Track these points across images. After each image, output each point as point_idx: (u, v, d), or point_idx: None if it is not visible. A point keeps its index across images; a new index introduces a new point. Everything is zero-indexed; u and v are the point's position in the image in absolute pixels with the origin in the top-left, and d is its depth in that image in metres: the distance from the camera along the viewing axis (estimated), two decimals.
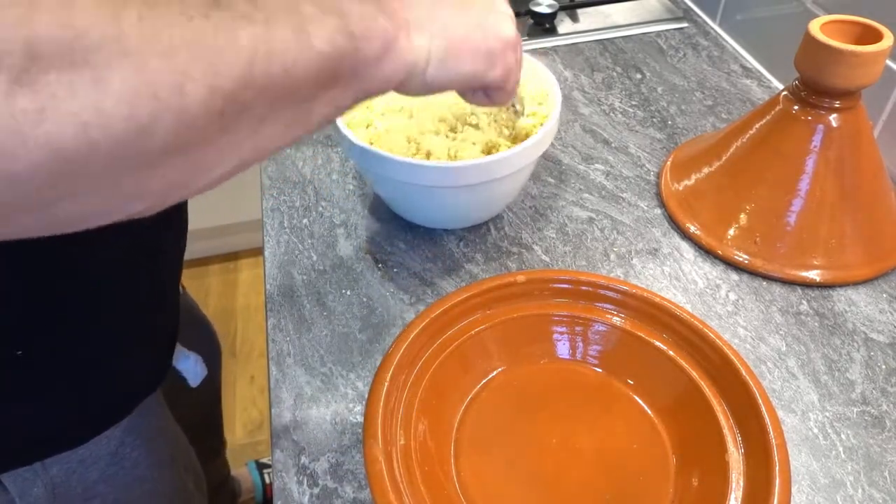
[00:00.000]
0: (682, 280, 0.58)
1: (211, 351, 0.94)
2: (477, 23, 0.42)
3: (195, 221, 0.65)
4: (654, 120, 0.76)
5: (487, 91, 0.46)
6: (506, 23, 0.44)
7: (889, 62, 0.64)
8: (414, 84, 0.39)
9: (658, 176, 0.69)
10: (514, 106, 0.61)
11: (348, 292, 0.58)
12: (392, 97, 0.58)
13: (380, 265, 0.60)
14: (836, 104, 0.55)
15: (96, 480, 0.59)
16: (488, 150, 0.59)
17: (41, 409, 0.52)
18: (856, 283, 0.58)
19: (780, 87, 0.75)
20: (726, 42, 0.90)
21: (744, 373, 0.44)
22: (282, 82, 0.30)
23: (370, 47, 0.34)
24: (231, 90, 0.27)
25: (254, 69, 0.28)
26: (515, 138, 0.60)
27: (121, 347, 0.56)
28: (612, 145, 0.73)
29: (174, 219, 0.58)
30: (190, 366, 0.68)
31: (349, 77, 0.34)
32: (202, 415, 0.91)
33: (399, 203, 0.63)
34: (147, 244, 0.54)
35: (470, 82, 0.43)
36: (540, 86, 0.62)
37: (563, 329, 0.50)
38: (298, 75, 0.30)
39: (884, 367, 0.51)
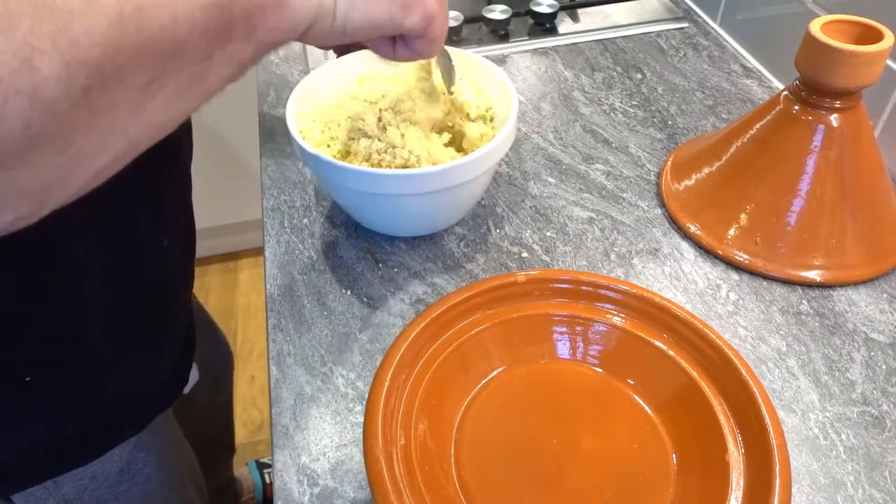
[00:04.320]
0: (683, 280, 0.58)
1: (223, 363, 0.93)
2: None
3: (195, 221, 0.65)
4: (655, 120, 0.76)
5: (408, 41, 0.44)
6: None
7: (889, 62, 0.64)
8: (323, 30, 0.37)
9: (658, 176, 0.69)
10: (443, 66, 0.58)
11: (348, 292, 0.58)
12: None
13: (380, 265, 0.60)
14: (837, 104, 0.55)
15: (108, 497, 0.58)
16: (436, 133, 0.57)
17: (52, 428, 0.51)
18: (856, 283, 0.58)
19: (781, 87, 0.75)
20: (727, 42, 0.90)
21: (744, 373, 0.44)
22: (162, 42, 0.25)
23: None
24: (96, 59, 0.23)
25: (123, 30, 0.23)
26: (456, 111, 0.59)
27: (130, 362, 0.54)
28: (613, 145, 0.73)
29: (173, 221, 0.58)
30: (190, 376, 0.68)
31: (245, 27, 0.30)
32: (214, 427, 0.90)
33: (351, 211, 0.62)
34: (148, 250, 0.53)
35: (385, 28, 0.40)
36: (499, 92, 0.61)
37: (564, 329, 0.50)
38: (181, 32, 0.26)
39: (884, 367, 0.51)
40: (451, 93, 0.60)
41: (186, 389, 0.67)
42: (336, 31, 0.38)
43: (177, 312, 0.60)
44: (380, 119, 0.58)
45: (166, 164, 0.55)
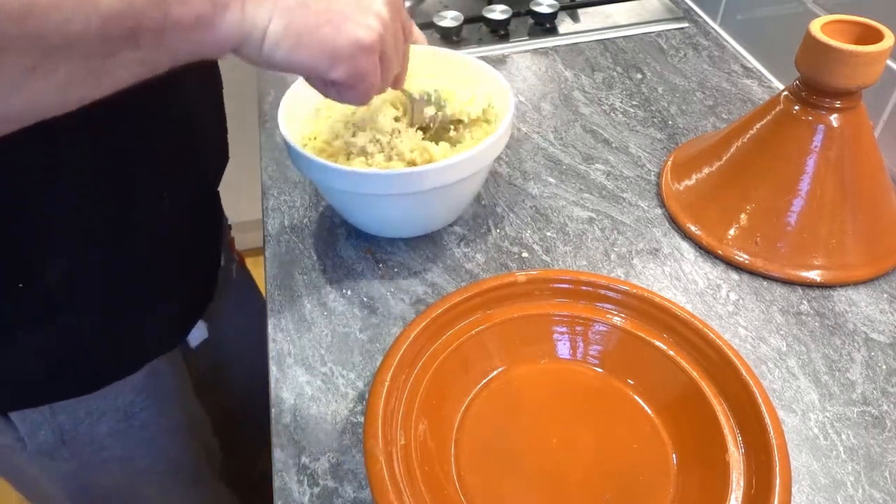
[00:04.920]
0: (683, 280, 0.58)
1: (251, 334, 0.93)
2: (331, 19, 0.39)
3: None
4: (655, 120, 0.76)
5: (338, 89, 0.44)
6: (366, 26, 0.40)
7: (889, 62, 0.64)
8: (251, 56, 0.38)
9: (658, 176, 0.69)
10: (414, 99, 0.58)
11: (348, 292, 0.58)
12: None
13: (380, 265, 0.60)
14: (837, 104, 0.55)
15: (105, 434, 0.60)
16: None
17: (42, 351, 0.52)
18: (856, 283, 0.58)
19: (781, 87, 0.75)
20: (727, 42, 0.90)
21: (744, 373, 0.44)
22: (51, 36, 0.28)
23: (182, 11, 0.32)
24: None
25: (7, 16, 0.26)
26: (433, 135, 0.59)
27: (120, 307, 0.56)
28: (613, 145, 0.73)
29: (173, 175, 0.56)
30: (195, 331, 0.68)
31: (155, 38, 0.32)
32: (246, 398, 0.90)
33: (342, 210, 0.62)
34: (143, 201, 0.53)
35: (310, 74, 0.41)
36: (496, 93, 0.61)
37: (564, 329, 0.50)
38: (73, 30, 0.29)
39: (884, 367, 0.51)
40: (417, 127, 0.59)
41: (193, 344, 0.68)
42: (263, 61, 0.39)
43: (178, 266, 0.60)
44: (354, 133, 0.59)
45: (159, 115, 0.55)
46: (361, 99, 0.44)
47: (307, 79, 0.44)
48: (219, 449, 0.81)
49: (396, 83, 0.51)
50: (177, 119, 0.55)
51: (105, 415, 0.59)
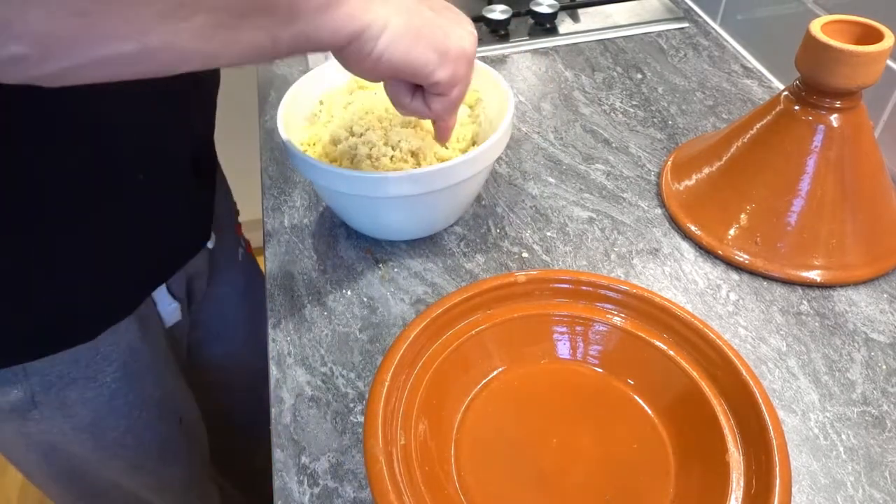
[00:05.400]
0: (683, 280, 0.58)
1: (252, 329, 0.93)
2: (441, 24, 0.43)
3: None
4: (655, 120, 0.76)
5: (427, 96, 0.46)
6: (468, 39, 0.45)
7: (890, 62, 0.64)
8: (361, 52, 0.40)
9: (659, 176, 0.69)
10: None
11: (348, 292, 0.58)
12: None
13: (380, 265, 0.60)
14: (837, 104, 0.55)
15: (75, 400, 0.61)
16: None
17: (19, 300, 0.54)
18: (856, 284, 0.58)
19: (781, 87, 0.75)
20: (727, 42, 0.90)
21: (744, 373, 0.44)
22: None
23: None
24: None
25: None
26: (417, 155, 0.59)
27: (100, 253, 0.57)
28: (613, 145, 0.73)
29: (152, 157, 0.57)
30: (167, 308, 0.69)
31: (286, 12, 0.34)
32: (246, 390, 0.91)
33: (343, 214, 0.62)
34: (118, 173, 0.54)
35: (417, 73, 0.43)
36: (494, 94, 0.61)
37: (564, 329, 0.50)
38: None
39: (884, 367, 0.51)
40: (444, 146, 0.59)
41: (167, 323, 0.69)
42: (373, 58, 0.40)
43: (138, 239, 0.60)
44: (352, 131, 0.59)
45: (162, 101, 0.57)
46: (451, 108, 0.47)
47: (391, 84, 0.46)
48: (207, 438, 0.81)
49: (445, 133, 0.54)
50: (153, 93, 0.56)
51: (76, 381, 0.60)
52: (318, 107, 0.63)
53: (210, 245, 0.72)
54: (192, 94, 0.63)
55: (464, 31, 0.45)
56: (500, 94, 0.60)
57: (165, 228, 0.62)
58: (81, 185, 0.52)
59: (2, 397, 0.58)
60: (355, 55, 0.40)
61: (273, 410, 0.49)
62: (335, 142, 0.59)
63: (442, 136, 0.53)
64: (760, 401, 0.42)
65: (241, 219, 0.92)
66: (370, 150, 0.57)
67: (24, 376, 0.58)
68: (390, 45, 0.40)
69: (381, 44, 0.40)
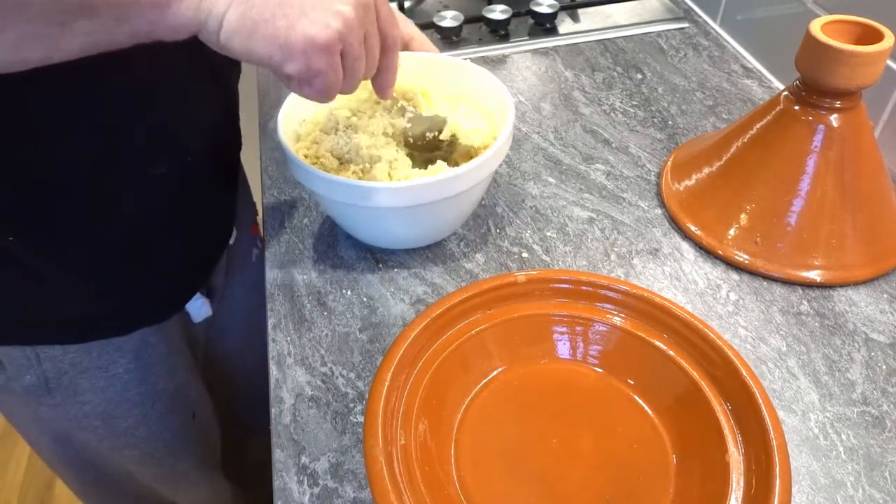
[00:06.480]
0: (683, 280, 0.58)
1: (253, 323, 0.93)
2: (287, 13, 0.39)
3: None
4: (655, 120, 0.76)
5: (294, 82, 0.44)
6: (323, 24, 0.40)
7: (889, 62, 0.64)
8: (210, 41, 0.40)
9: (659, 176, 0.69)
10: (399, 107, 0.59)
11: (348, 292, 0.58)
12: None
13: (380, 265, 0.60)
14: (837, 104, 0.55)
15: (87, 388, 0.62)
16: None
17: (37, 288, 0.55)
18: (856, 284, 0.58)
19: (781, 87, 0.75)
20: (727, 42, 0.90)
21: (744, 373, 0.44)
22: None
23: None
24: None
25: None
26: (407, 143, 0.59)
27: (127, 259, 0.57)
28: (613, 145, 0.73)
29: (163, 153, 0.57)
30: (195, 303, 0.69)
31: (114, 13, 0.34)
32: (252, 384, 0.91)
33: (341, 222, 0.62)
34: (130, 174, 0.54)
35: (265, 65, 0.42)
36: (495, 101, 0.60)
37: (564, 329, 0.50)
38: None
39: (884, 367, 0.51)
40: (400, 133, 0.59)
41: (196, 319, 0.69)
42: (221, 48, 0.40)
43: (176, 235, 0.61)
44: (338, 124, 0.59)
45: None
46: (319, 96, 0.45)
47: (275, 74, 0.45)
48: (219, 435, 0.81)
49: (382, 91, 0.51)
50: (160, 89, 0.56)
51: (88, 370, 0.61)
52: (309, 114, 0.62)
53: (231, 241, 0.72)
54: (210, 86, 0.62)
55: (318, 19, 0.40)
56: (501, 102, 0.59)
57: (198, 225, 0.63)
58: (103, 180, 0.52)
59: (16, 381, 0.59)
60: (210, 45, 0.40)
61: (273, 410, 0.49)
62: (314, 143, 0.58)
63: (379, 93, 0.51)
64: (760, 401, 0.42)
65: None
66: (353, 154, 0.57)
67: (38, 362, 0.58)
68: (228, 40, 0.39)
69: (221, 38, 0.39)
